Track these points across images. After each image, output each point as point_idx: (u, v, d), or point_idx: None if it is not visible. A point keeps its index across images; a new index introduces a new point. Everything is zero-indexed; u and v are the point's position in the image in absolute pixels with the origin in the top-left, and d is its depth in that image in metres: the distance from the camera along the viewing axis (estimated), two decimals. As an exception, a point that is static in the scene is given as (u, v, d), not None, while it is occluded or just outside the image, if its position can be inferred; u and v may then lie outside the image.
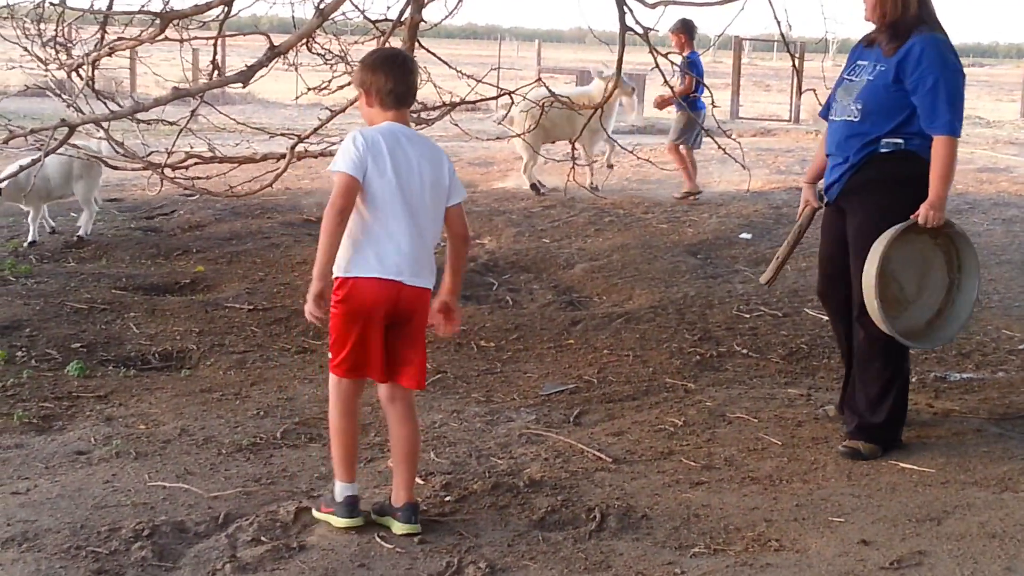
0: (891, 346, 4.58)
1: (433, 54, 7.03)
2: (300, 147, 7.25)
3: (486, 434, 4.84)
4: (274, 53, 6.24)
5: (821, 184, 4.96)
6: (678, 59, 10.30)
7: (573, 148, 9.42)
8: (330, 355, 3.84)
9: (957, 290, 4.77)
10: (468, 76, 7.29)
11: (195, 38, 7.68)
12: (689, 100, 10.69)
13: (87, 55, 6.90)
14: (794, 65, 9.78)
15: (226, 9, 7.00)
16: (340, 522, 3.77)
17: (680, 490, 4.23)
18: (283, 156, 7.12)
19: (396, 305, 3.71)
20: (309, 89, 7.72)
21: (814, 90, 6.08)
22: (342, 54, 7.72)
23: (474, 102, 8.09)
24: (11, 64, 7.83)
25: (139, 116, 6.95)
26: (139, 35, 7.02)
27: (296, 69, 7.67)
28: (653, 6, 6.92)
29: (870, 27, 4.74)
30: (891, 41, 4.55)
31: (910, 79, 4.47)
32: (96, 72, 7.26)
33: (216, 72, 7.55)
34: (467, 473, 4.32)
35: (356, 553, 3.63)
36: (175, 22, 6.79)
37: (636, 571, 3.57)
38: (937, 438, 4.84)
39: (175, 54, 8.12)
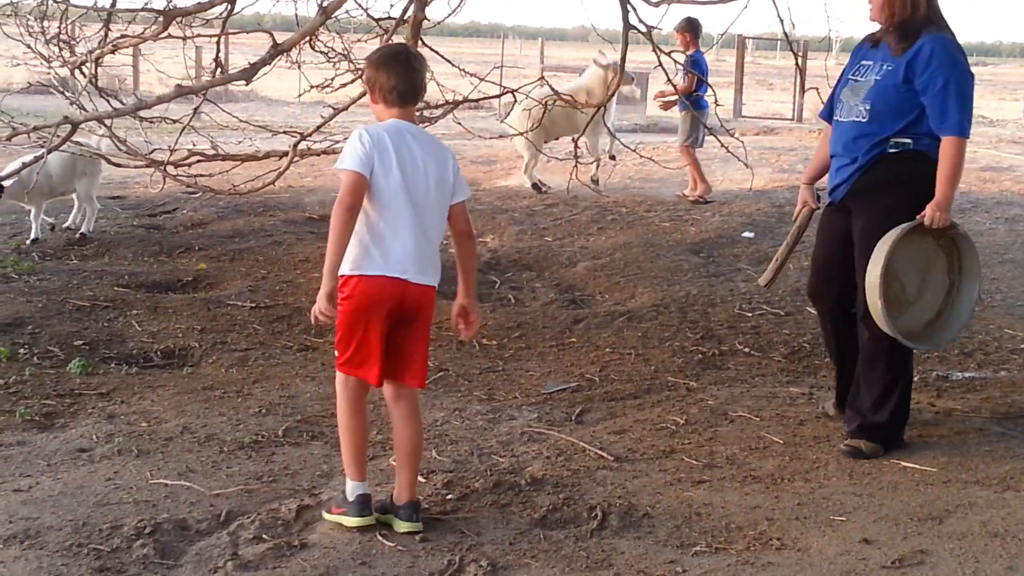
0: (895, 346, 4.57)
1: (436, 52, 7.02)
2: (303, 145, 7.27)
3: (488, 432, 4.84)
4: (277, 51, 6.24)
5: (825, 182, 4.95)
6: (681, 57, 10.28)
7: (576, 147, 9.42)
8: (336, 353, 3.82)
9: (957, 292, 4.76)
10: (471, 74, 7.30)
11: (198, 36, 7.68)
12: (692, 99, 10.68)
13: (90, 52, 6.91)
14: (797, 64, 9.74)
15: (229, 7, 7.01)
16: (352, 521, 3.76)
17: (682, 488, 4.23)
18: (286, 154, 7.14)
19: (402, 303, 3.71)
20: (312, 87, 7.72)
21: (817, 89, 6.07)
22: (345, 52, 7.72)
23: (477, 100, 8.09)
24: (15, 61, 7.84)
25: (142, 114, 6.96)
26: (142, 33, 7.03)
27: (299, 67, 7.66)
28: (656, 4, 6.91)
29: (872, 26, 4.73)
30: (900, 41, 4.53)
31: (920, 79, 4.45)
32: (99, 69, 7.28)
33: (219, 70, 7.56)
34: (469, 471, 4.32)
35: (358, 551, 3.63)
36: (178, 20, 6.81)
37: (638, 570, 3.57)
38: (939, 437, 4.84)
39: (178, 52, 8.14)
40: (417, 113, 4.01)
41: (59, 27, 7.13)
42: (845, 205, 4.73)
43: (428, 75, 3.89)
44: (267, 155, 7.64)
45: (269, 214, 9.85)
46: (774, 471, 4.42)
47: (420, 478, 4.05)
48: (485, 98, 8.23)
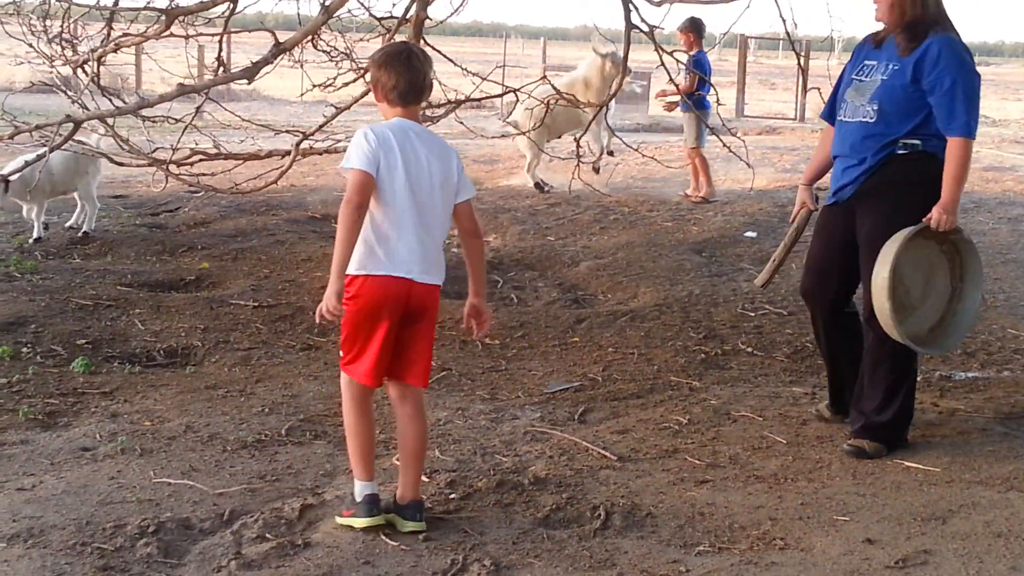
0: (900, 347, 4.55)
1: (438, 51, 7.02)
2: (305, 144, 7.28)
3: (491, 432, 4.84)
4: (279, 50, 6.25)
5: (825, 183, 4.94)
6: (684, 57, 10.28)
7: (578, 146, 9.42)
8: (341, 353, 3.82)
9: (959, 299, 4.74)
10: (473, 74, 7.30)
11: (200, 35, 7.69)
12: (695, 99, 10.68)
13: (93, 51, 6.92)
14: (799, 63, 9.76)
15: (231, 6, 7.02)
16: (362, 522, 3.75)
17: (685, 488, 4.23)
18: (288, 153, 7.15)
19: (407, 303, 3.70)
20: (314, 86, 7.72)
21: (819, 89, 6.06)
22: (347, 51, 7.73)
23: (479, 100, 8.10)
24: (17, 60, 7.84)
25: (144, 112, 6.98)
26: (144, 31, 7.04)
27: (301, 66, 7.67)
28: (658, 4, 6.92)
29: (874, 25, 4.71)
30: (908, 41, 4.50)
31: (927, 79, 4.43)
32: (101, 68, 7.29)
33: (221, 69, 7.57)
34: (472, 471, 4.32)
35: (361, 550, 3.63)
36: (180, 18, 6.81)
37: (641, 569, 3.56)
38: (942, 437, 4.83)
39: (180, 51, 8.15)
40: (420, 112, 4.00)
41: (61, 26, 7.14)
42: (850, 206, 4.69)
43: (432, 73, 3.87)
44: (269, 154, 7.65)
45: (271, 213, 9.85)
46: (777, 471, 4.42)
47: (423, 477, 4.05)
48: (487, 97, 8.24)
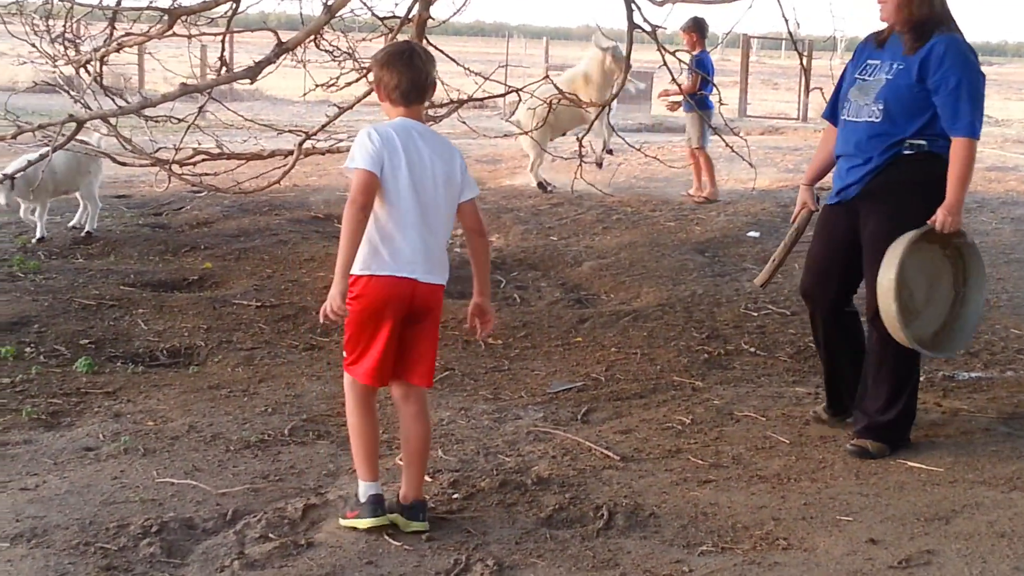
0: (904, 348, 4.54)
1: (441, 51, 7.02)
2: (308, 144, 7.27)
3: (494, 432, 4.84)
4: (282, 49, 6.25)
5: (827, 183, 4.93)
6: (686, 57, 10.28)
7: (580, 146, 9.42)
8: (344, 353, 3.81)
9: (962, 303, 4.73)
10: (476, 73, 7.30)
11: (203, 34, 7.69)
12: (697, 99, 10.68)
13: (95, 51, 6.92)
14: (802, 63, 9.73)
15: (234, 5, 7.02)
16: (366, 523, 3.75)
17: (688, 488, 4.22)
18: (291, 153, 7.14)
19: (411, 303, 3.70)
20: (317, 86, 7.72)
21: (821, 89, 6.05)
22: (350, 51, 7.72)
23: (482, 99, 8.09)
24: (20, 60, 7.85)
25: (147, 112, 6.97)
26: (147, 31, 7.04)
27: (304, 66, 7.67)
28: (661, 3, 6.91)
29: (877, 24, 4.70)
30: (914, 40, 4.48)
31: (932, 78, 4.41)
32: (104, 68, 7.29)
33: (224, 68, 7.57)
34: (475, 471, 4.32)
35: (364, 550, 3.63)
36: (183, 18, 6.82)
37: (644, 569, 3.56)
38: (945, 437, 4.83)
39: (183, 50, 8.15)
40: (423, 112, 3.99)
41: (64, 26, 7.14)
42: (853, 205, 4.66)
43: (435, 72, 3.86)
44: (272, 154, 7.64)
45: (274, 213, 9.85)
46: (780, 471, 4.42)
47: (426, 477, 4.05)
48: (490, 97, 8.23)
